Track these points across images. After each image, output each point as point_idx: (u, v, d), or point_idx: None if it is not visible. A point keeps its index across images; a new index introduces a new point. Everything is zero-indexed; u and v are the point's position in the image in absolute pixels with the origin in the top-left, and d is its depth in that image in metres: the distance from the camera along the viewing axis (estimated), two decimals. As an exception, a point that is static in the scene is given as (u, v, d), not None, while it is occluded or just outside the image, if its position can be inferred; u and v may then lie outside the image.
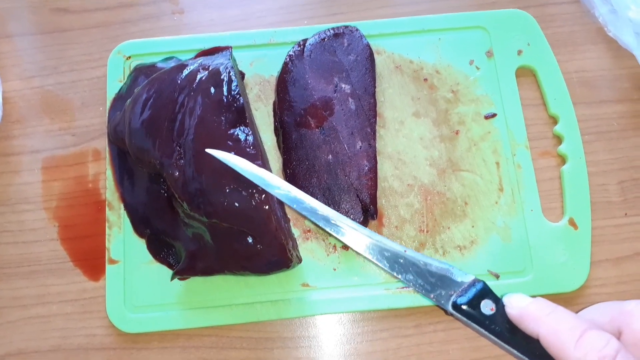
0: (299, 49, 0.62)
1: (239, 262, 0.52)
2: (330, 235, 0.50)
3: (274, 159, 0.60)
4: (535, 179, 0.59)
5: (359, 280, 0.56)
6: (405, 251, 0.45)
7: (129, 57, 0.64)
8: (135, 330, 0.55)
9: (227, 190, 0.49)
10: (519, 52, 0.64)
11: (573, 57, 0.65)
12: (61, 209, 0.60)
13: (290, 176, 0.57)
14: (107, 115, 0.61)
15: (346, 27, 0.63)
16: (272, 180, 0.49)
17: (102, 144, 0.62)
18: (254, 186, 0.49)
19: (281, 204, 0.57)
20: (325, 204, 0.56)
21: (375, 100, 0.60)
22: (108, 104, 0.62)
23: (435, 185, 0.59)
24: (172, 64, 0.61)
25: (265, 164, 0.54)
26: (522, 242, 0.57)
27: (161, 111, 0.53)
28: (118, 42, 0.65)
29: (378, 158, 0.59)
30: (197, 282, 0.56)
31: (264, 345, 0.55)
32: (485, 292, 0.40)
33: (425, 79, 0.63)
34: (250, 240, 0.50)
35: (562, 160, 0.61)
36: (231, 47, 0.59)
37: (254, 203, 0.49)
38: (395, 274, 0.45)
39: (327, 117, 0.59)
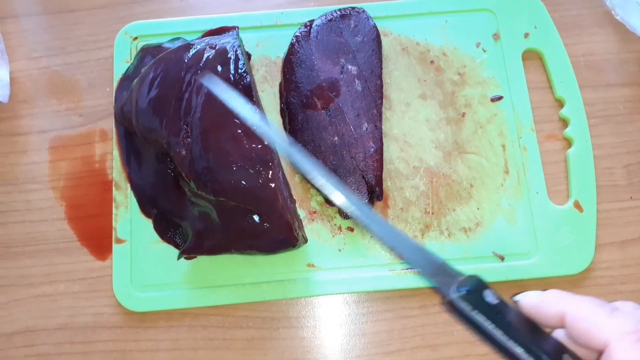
0: (305, 30, 0.62)
1: (246, 241, 0.52)
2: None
3: (280, 141, 0.60)
4: (541, 162, 0.60)
5: (364, 261, 0.56)
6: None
7: (136, 37, 0.64)
8: (142, 309, 0.55)
9: (234, 168, 0.49)
10: (526, 35, 0.64)
11: (580, 40, 0.65)
12: (68, 188, 0.60)
13: (296, 157, 0.58)
14: (114, 95, 0.61)
15: (353, 8, 0.62)
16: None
17: (109, 124, 0.62)
18: (261, 164, 0.49)
19: (287, 184, 0.58)
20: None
21: (381, 81, 0.60)
22: (115, 85, 0.62)
23: (441, 168, 0.59)
24: (178, 44, 0.61)
25: (270, 144, 0.54)
26: (528, 225, 0.57)
27: (168, 90, 0.53)
28: (125, 22, 0.65)
29: (384, 140, 0.59)
30: (203, 262, 0.56)
31: (270, 324, 0.56)
32: (485, 285, 0.36)
33: (432, 61, 0.63)
34: (256, 218, 0.50)
35: (568, 143, 0.61)
36: (237, 27, 0.59)
37: (260, 181, 0.49)
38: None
39: (334, 98, 0.59)
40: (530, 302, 0.35)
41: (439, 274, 0.38)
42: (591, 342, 0.32)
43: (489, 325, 0.34)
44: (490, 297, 0.35)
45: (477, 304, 0.35)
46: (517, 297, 0.36)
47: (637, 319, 0.31)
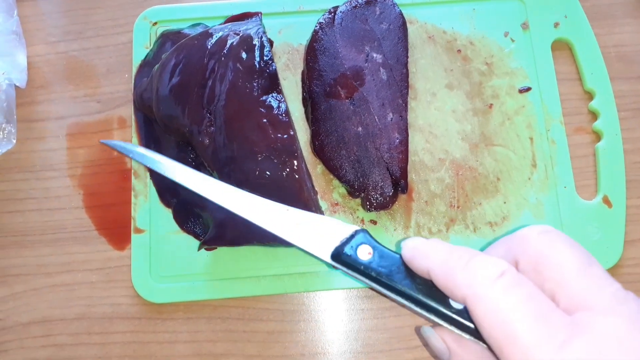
0: (329, 16, 0.60)
1: (269, 233, 0.51)
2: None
3: (302, 130, 0.59)
4: (570, 156, 0.58)
5: (388, 255, 0.55)
6: (287, 210, 0.42)
7: (155, 22, 0.62)
8: (161, 300, 0.54)
9: (259, 158, 0.48)
10: (556, 25, 0.62)
11: (611, 30, 0.63)
12: (86, 176, 0.59)
13: (318, 148, 0.56)
14: (132, 82, 0.60)
15: (378, -5, 0.61)
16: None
17: (128, 112, 0.61)
18: (287, 155, 0.48)
19: (309, 176, 0.56)
20: (355, 177, 0.55)
21: (407, 70, 0.58)
22: (134, 71, 0.61)
23: (467, 160, 0.58)
24: (199, 30, 0.59)
25: (294, 134, 0.53)
26: (555, 220, 0.56)
27: (190, 77, 0.52)
28: (144, 7, 0.63)
29: (409, 131, 0.57)
30: (224, 253, 0.55)
31: (291, 317, 0.55)
32: (364, 239, 0.37)
33: (459, 50, 0.61)
34: (281, 210, 0.49)
35: (597, 136, 0.59)
36: (261, 13, 0.57)
37: (286, 172, 0.48)
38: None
39: (358, 87, 0.57)
40: (407, 253, 0.34)
41: (314, 238, 0.39)
42: (457, 300, 0.30)
43: (367, 281, 0.35)
44: (364, 252, 0.36)
45: (350, 263, 0.36)
46: (402, 243, 0.35)
47: (489, 267, 0.29)
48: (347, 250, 0.37)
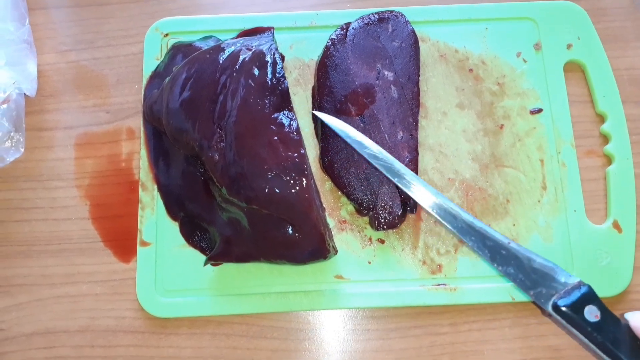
0: (341, 32, 0.60)
1: (277, 250, 0.50)
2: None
3: (311, 146, 0.59)
4: (580, 179, 0.58)
5: (394, 275, 0.55)
6: (509, 243, 0.46)
7: (167, 34, 0.62)
8: (165, 314, 0.54)
9: (269, 177, 0.47)
10: (569, 46, 0.61)
11: (624, 53, 0.63)
12: (93, 187, 0.59)
13: (327, 164, 0.56)
14: (142, 93, 0.60)
15: (391, 12, 0.61)
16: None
17: (137, 123, 0.60)
18: (297, 173, 0.48)
19: (318, 192, 0.56)
20: (364, 195, 0.54)
21: (418, 89, 0.58)
22: (144, 82, 0.60)
23: (477, 181, 0.57)
24: (211, 43, 0.59)
25: (305, 152, 0.52)
26: (564, 243, 0.56)
27: (202, 91, 0.51)
28: (156, 18, 0.63)
29: (419, 150, 0.57)
30: (229, 269, 0.55)
31: (295, 336, 0.54)
32: (591, 298, 0.38)
33: (471, 70, 0.61)
34: (289, 228, 0.49)
35: (608, 160, 0.59)
36: (273, 28, 0.57)
37: (295, 190, 0.48)
38: (495, 265, 0.46)
39: (368, 104, 0.57)
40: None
41: (540, 282, 0.42)
42: None
43: (583, 339, 0.37)
44: (591, 313, 0.38)
45: (575, 319, 0.38)
46: (628, 316, 0.37)
47: None
48: (572, 304, 0.38)
